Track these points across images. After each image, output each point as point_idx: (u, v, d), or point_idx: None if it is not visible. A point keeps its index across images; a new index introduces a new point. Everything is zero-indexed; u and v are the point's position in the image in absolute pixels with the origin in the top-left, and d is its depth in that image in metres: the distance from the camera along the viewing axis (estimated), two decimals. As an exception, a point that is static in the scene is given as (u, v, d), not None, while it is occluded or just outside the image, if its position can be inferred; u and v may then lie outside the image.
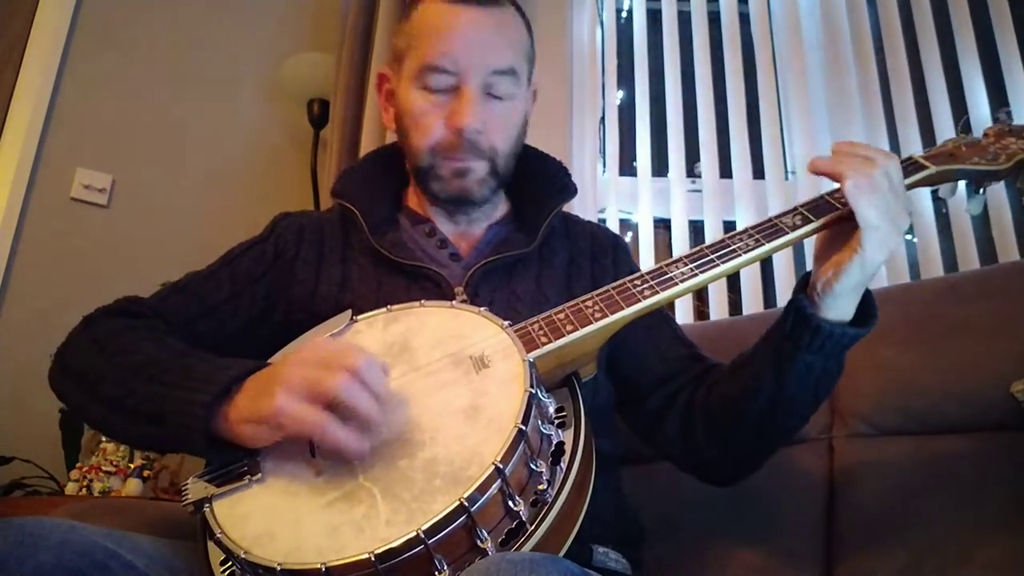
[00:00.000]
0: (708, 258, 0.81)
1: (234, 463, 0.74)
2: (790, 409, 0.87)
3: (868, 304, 0.83)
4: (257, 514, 0.69)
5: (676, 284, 0.80)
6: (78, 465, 1.81)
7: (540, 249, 1.02)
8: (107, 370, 0.82)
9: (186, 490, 0.73)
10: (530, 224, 1.04)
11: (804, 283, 0.85)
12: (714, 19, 2.19)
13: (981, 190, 0.90)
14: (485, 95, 0.96)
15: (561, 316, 0.80)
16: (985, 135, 0.92)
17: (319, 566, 0.62)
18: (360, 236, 1.00)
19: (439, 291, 0.94)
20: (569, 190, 1.07)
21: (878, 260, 0.78)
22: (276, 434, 0.71)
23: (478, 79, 0.95)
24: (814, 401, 0.88)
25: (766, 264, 1.99)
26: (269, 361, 0.81)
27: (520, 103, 1.01)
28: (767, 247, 0.81)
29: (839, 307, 0.81)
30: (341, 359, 0.69)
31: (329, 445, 0.68)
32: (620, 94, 2.25)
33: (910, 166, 0.87)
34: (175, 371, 0.78)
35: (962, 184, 0.92)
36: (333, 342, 0.74)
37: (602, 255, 1.08)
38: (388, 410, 0.71)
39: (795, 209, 0.84)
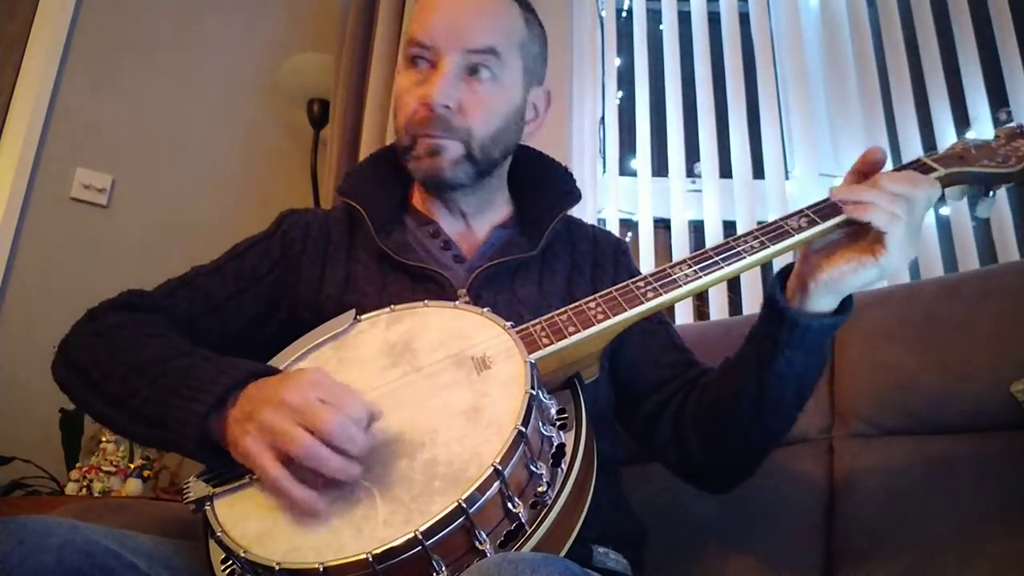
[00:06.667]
0: (712, 260, 0.81)
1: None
2: (775, 409, 0.87)
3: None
4: (257, 513, 0.69)
5: (680, 286, 0.80)
6: (78, 465, 1.81)
7: (543, 253, 1.01)
8: (111, 367, 0.82)
9: (187, 489, 0.74)
10: (534, 227, 1.03)
11: (781, 277, 0.84)
12: (714, 19, 2.19)
13: (991, 193, 0.89)
14: (465, 75, 0.96)
15: (563, 318, 0.80)
16: (996, 137, 0.91)
17: (317, 566, 0.62)
18: (365, 236, 1.00)
19: (442, 292, 0.94)
20: (574, 195, 1.07)
21: (900, 267, 0.79)
22: (249, 467, 0.71)
23: (454, 57, 0.95)
24: (798, 399, 0.88)
25: (766, 265, 1.99)
26: (269, 364, 0.82)
27: (507, 89, 0.99)
28: (772, 249, 0.80)
29: (829, 302, 0.81)
30: (316, 417, 0.67)
31: (283, 498, 0.68)
32: (620, 94, 2.25)
33: (918, 168, 0.86)
34: (177, 373, 0.78)
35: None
36: (327, 384, 0.71)
37: (603, 259, 1.08)
38: (382, 437, 0.71)
39: (802, 211, 0.82)
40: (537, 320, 0.81)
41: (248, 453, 0.69)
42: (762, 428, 0.89)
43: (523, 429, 0.67)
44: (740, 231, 0.85)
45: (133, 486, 1.76)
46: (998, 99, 1.90)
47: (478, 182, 1.01)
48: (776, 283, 0.84)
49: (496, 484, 0.65)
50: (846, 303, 0.83)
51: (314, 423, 0.67)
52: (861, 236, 0.79)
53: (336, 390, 0.71)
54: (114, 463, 1.78)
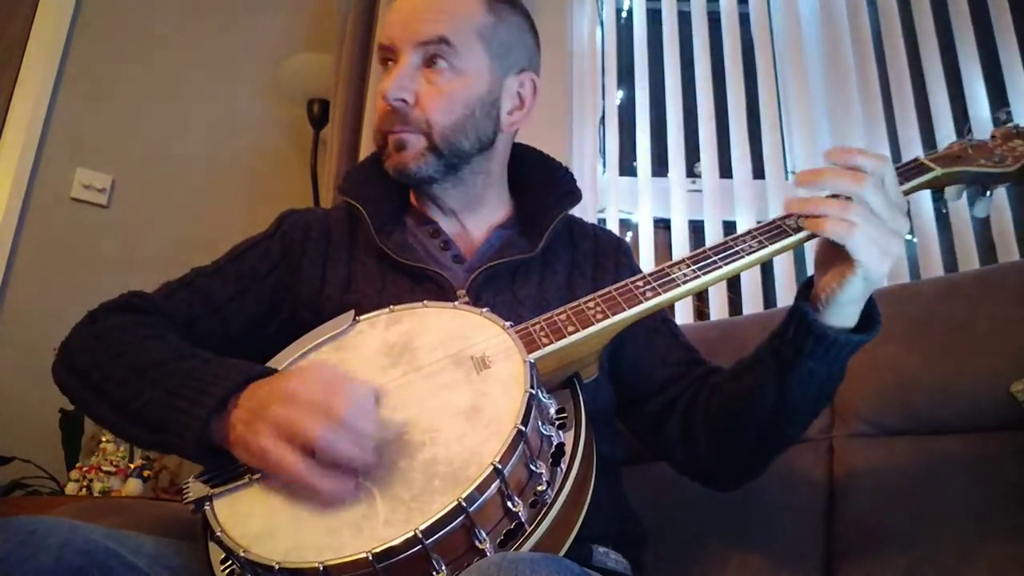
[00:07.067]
0: (711, 260, 0.81)
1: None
2: (792, 416, 0.87)
3: (871, 309, 0.82)
4: (257, 513, 0.69)
5: (678, 285, 0.80)
6: (78, 465, 1.81)
7: (544, 254, 1.01)
8: (111, 369, 0.82)
9: (187, 489, 0.74)
10: (534, 228, 1.03)
11: (806, 287, 0.83)
12: (714, 19, 2.19)
13: (988, 192, 0.89)
14: (423, 68, 0.97)
15: (563, 317, 0.80)
16: (992, 137, 0.91)
17: (317, 565, 0.62)
18: (366, 235, 1.00)
19: (441, 293, 0.93)
20: (575, 195, 1.07)
21: (882, 272, 0.76)
22: (263, 468, 0.71)
23: (408, 51, 0.97)
24: (815, 407, 0.88)
25: (766, 264, 1.99)
26: (269, 365, 0.82)
27: (468, 78, 0.98)
28: (770, 249, 0.80)
29: (843, 314, 0.80)
30: (327, 403, 0.68)
31: (308, 490, 0.67)
32: (620, 94, 2.25)
33: (915, 168, 0.86)
34: (177, 375, 0.78)
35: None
36: (330, 375, 0.73)
37: (604, 259, 1.07)
38: (382, 437, 0.71)
39: None
40: (536, 320, 0.81)
41: (265, 451, 0.68)
42: (777, 432, 0.89)
43: (523, 428, 0.67)
44: (740, 231, 0.85)
45: (133, 486, 1.76)
46: (998, 99, 1.90)
47: (452, 175, 1.01)
48: (802, 292, 0.83)
49: (496, 483, 0.65)
50: (875, 320, 0.82)
51: (325, 408, 0.67)
52: (838, 247, 0.76)
53: (339, 377, 0.72)
54: (114, 463, 1.79)
